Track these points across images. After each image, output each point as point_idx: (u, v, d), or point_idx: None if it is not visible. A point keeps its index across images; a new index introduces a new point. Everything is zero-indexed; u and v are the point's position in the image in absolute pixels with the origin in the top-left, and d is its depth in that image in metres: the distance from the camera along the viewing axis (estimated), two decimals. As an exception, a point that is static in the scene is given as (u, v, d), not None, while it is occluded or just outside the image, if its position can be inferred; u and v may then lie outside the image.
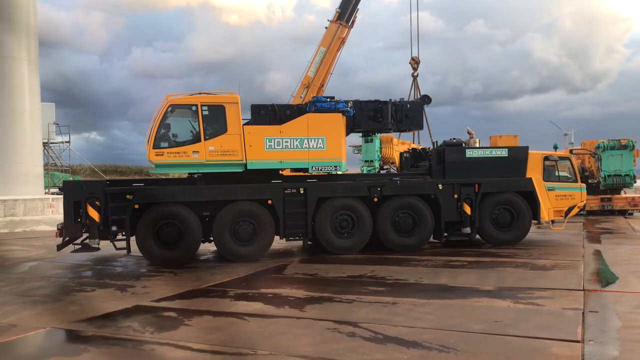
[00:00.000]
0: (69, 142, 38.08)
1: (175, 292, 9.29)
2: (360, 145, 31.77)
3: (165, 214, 12.07)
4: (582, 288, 9.02)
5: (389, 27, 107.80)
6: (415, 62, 37.82)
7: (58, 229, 12.37)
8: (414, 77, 38.24)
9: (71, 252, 12.37)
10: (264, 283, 10.09)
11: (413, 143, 31.26)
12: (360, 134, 15.69)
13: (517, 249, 13.80)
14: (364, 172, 28.96)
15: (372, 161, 29.80)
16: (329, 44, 28.54)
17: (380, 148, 29.63)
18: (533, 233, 16.60)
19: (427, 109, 37.64)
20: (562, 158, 15.65)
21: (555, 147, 16.36)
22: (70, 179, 31.86)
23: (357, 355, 5.83)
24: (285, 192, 12.75)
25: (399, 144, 29.55)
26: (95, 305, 8.42)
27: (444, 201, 13.72)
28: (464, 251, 13.49)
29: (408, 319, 7.23)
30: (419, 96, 38.32)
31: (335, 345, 6.19)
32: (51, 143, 37.19)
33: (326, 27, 28.90)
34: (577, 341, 6.19)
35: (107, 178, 29.07)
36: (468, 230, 13.93)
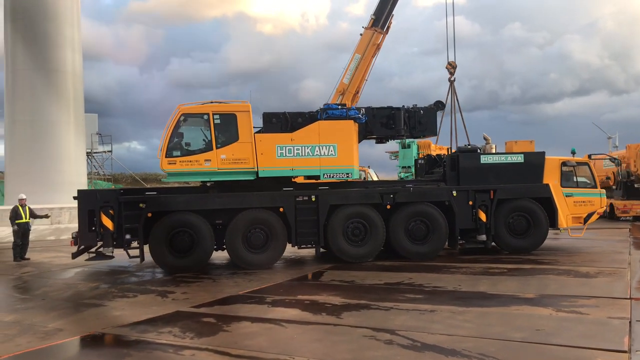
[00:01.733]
0: (111, 151, 39.16)
1: (214, 298, 9.43)
2: (397, 152, 31.60)
3: (178, 222, 12.15)
4: (628, 296, 8.72)
5: (423, 32, 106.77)
6: (451, 67, 37.33)
7: (73, 237, 12.50)
8: (451, 82, 37.78)
9: (85, 260, 12.53)
10: (301, 290, 10.13)
11: (451, 148, 30.88)
12: (375, 141, 15.53)
13: (559, 256, 13.45)
14: (402, 178, 28.80)
15: (409, 167, 29.59)
16: (363, 51, 28.52)
17: (418, 154, 29.39)
18: (575, 240, 16.15)
19: (465, 114, 36.85)
20: (580, 163, 15.19)
21: (573, 152, 15.93)
22: (112, 187, 32.74)
23: (394, 363, 5.80)
24: (297, 199, 12.68)
25: (436, 150, 29.25)
26: (138, 310, 8.62)
27: (458, 208, 13.48)
28: (504, 258, 13.24)
29: (446, 327, 7.14)
30: (456, 101, 37.99)
31: (373, 353, 6.17)
32: (94, 152, 38.31)
33: (361, 34, 28.91)
34: (624, 351, 5.99)
35: (148, 186, 29.74)
36: (484, 237, 13.65)
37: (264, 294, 9.75)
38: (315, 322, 7.66)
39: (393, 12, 29.09)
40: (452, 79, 37.85)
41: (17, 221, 14.63)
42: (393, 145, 28.62)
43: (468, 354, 5.99)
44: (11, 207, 15.31)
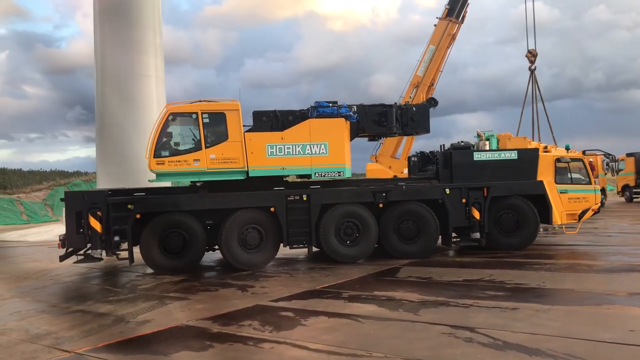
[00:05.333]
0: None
1: (291, 292, 9.60)
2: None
3: (169, 223, 12.05)
4: None
5: (498, 20, 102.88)
6: (532, 55, 35.83)
7: (60, 240, 12.12)
8: (532, 71, 36.26)
9: (73, 262, 12.32)
10: (377, 286, 10.10)
11: (532, 141, 29.60)
12: (367, 139, 15.10)
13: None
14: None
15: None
16: (438, 42, 27.97)
17: (497, 147, 28.38)
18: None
19: (546, 104, 35.27)
20: (574, 159, 14.67)
21: (567, 149, 15.15)
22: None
23: (475, 362, 5.65)
24: (288, 199, 12.44)
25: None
26: (219, 304, 8.94)
27: (451, 206, 13.02)
28: (592, 254, 12.56)
29: (530, 325, 6.87)
30: (538, 90, 36.37)
31: (452, 351, 6.04)
32: (177, 153, 39.94)
33: (435, 25, 28.37)
34: None
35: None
36: (477, 235, 13.16)
37: (340, 289, 9.80)
38: (392, 319, 7.61)
39: (468, 1, 28.35)
40: (533, 67, 36.32)
41: None
42: (472, 140, 27.84)
43: (553, 354, 5.73)
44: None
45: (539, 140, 31.09)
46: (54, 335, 7.36)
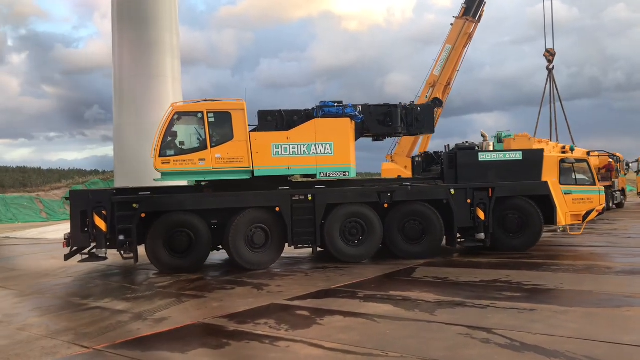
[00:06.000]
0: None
1: (307, 291, 9.61)
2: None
3: (175, 222, 12.03)
4: None
5: (514, 19, 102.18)
6: (550, 54, 35.52)
7: (65, 239, 12.12)
8: (550, 70, 35.94)
9: (78, 261, 12.30)
10: (393, 285, 10.07)
11: (550, 141, 29.32)
12: (372, 139, 15.03)
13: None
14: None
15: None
16: (454, 41, 27.85)
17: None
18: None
19: (564, 103, 34.88)
20: (579, 160, 14.68)
21: (572, 150, 15.05)
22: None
23: (492, 363, 5.61)
24: (293, 198, 12.42)
25: (536, 143, 27.84)
26: (235, 302, 8.98)
27: (456, 206, 12.98)
28: (611, 255, 12.40)
29: (547, 327, 6.80)
30: (555, 89, 36.05)
31: (469, 351, 6.01)
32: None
33: (451, 24, 28.24)
34: None
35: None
36: (482, 236, 13.08)
37: (355, 288, 9.80)
38: (408, 319, 7.58)
39: (485, 0, 28.19)
40: (551, 67, 36.00)
41: None
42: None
43: (572, 356, 5.67)
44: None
45: (557, 141, 30.87)
46: (73, 332, 7.46)
